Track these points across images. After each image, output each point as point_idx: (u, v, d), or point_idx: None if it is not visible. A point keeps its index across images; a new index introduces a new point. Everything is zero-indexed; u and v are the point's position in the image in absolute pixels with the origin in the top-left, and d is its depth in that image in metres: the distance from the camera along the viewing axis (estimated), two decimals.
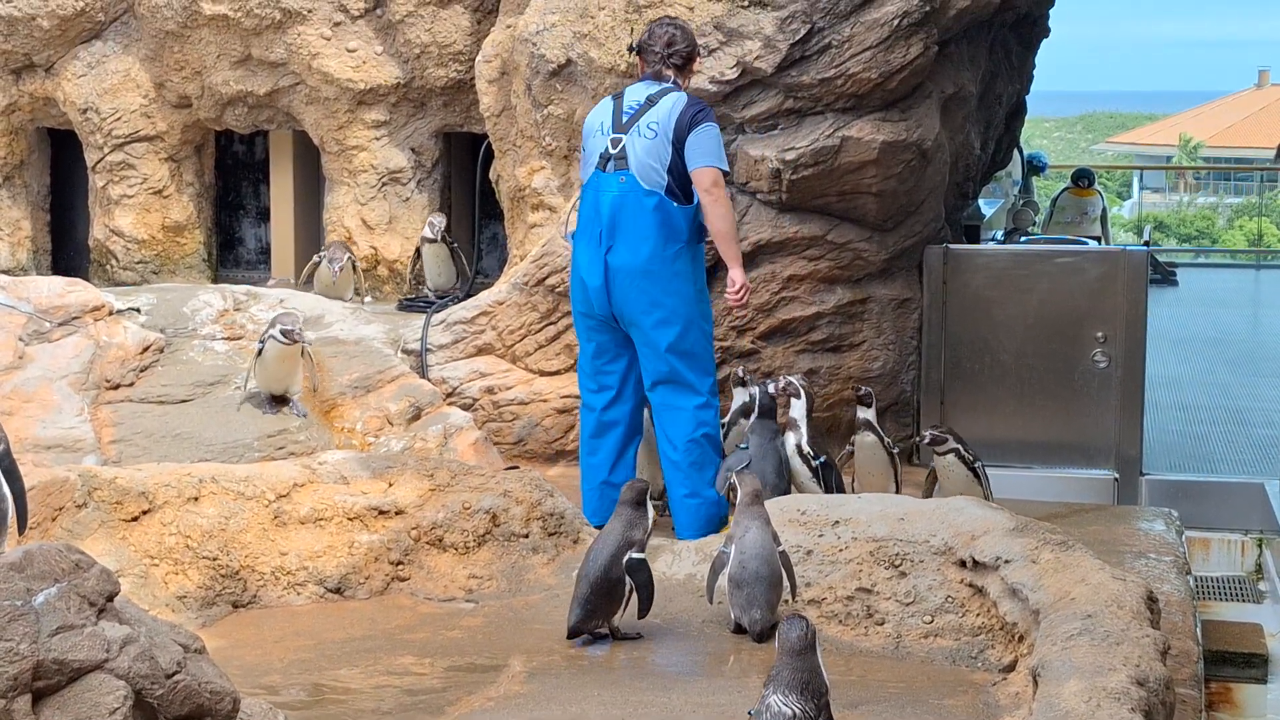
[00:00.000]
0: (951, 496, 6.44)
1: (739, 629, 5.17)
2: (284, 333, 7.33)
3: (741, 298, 6.56)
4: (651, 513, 5.19)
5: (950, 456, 6.62)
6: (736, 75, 7.49)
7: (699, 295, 6.61)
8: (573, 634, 5.22)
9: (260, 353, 7.66)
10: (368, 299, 8.98)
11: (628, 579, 5.09)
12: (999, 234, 12.42)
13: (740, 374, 7.31)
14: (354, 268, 9.03)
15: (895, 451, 6.85)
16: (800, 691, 3.59)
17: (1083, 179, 15.46)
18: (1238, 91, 51.44)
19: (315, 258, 9.08)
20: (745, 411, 6.98)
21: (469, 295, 8.45)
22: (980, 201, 11.27)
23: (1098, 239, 13.88)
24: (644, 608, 5.11)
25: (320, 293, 8.52)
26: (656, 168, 6.37)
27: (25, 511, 4.84)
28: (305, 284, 9.15)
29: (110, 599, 3.92)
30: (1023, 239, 12.05)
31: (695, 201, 6.44)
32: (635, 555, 5.04)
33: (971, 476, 6.69)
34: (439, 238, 8.60)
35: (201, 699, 3.94)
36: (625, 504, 5.15)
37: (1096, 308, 7.96)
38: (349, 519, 6.04)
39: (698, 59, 6.76)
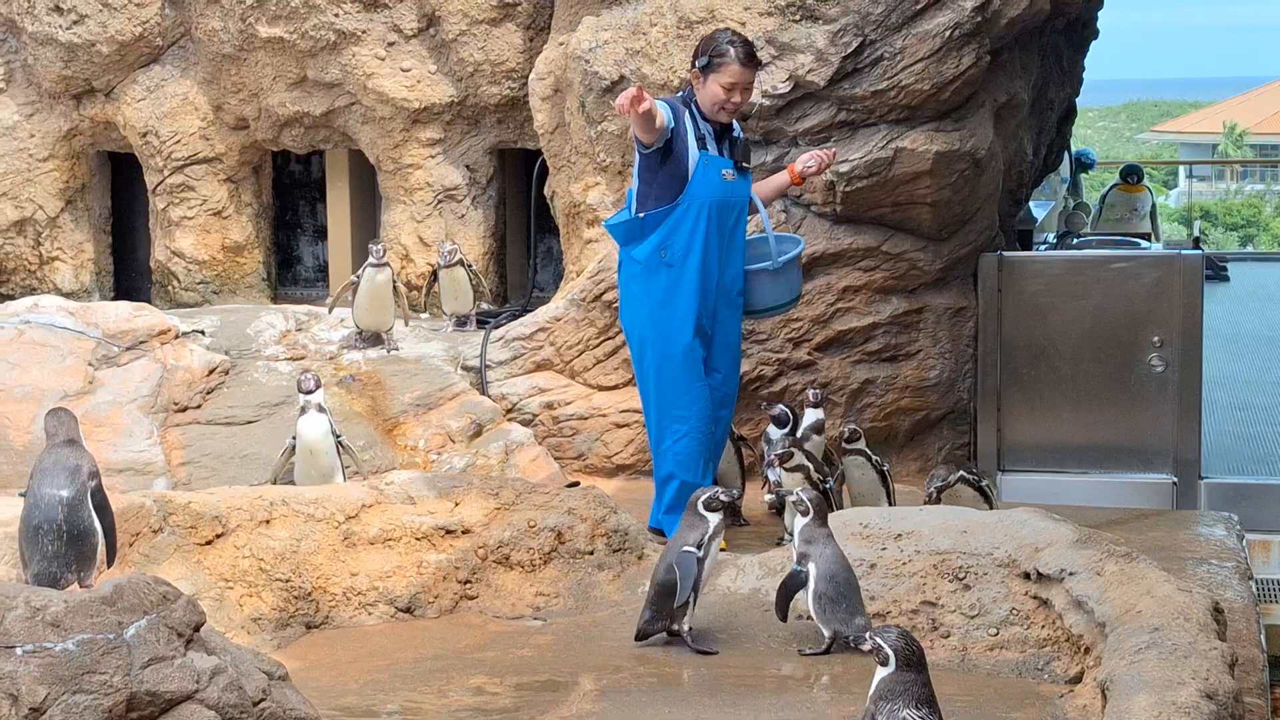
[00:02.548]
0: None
1: (830, 646, 5.23)
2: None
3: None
4: (714, 518, 5.23)
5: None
6: (789, 89, 7.54)
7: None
8: (639, 636, 5.32)
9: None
10: (424, 315, 9.00)
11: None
12: (1051, 237, 12.43)
13: (813, 396, 7.31)
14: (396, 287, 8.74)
15: (886, 470, 6.86)
16: (931, 705, 3.62)
17: (1131, 175, 15.40)
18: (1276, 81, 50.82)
19: (352, 278, 8.89)
20: (816, 429, 7.09)
21: (527, 311, 8.52)
22: (1031, 204, 11.28)
23: (1148, 235, 13.87)
24: (679, 604, 5.22)
25: (365, 306, 8.22)
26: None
27: (115, 546, 4.93)
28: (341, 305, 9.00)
29: (197, 629, 4.00)
30: (1075, 240, 12.03)
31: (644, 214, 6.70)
32: (685, 549, 5.16)
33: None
34: (456, 263, 8.61)
35: None
36: (689, 509, 5.25)
37: (1152, 311, 7.93)
38: (417, 539, 6.11)
39: (695, 66, 6.78)
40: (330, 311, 8.45)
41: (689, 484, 6.58)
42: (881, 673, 3.65)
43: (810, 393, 7.19)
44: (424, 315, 9.01)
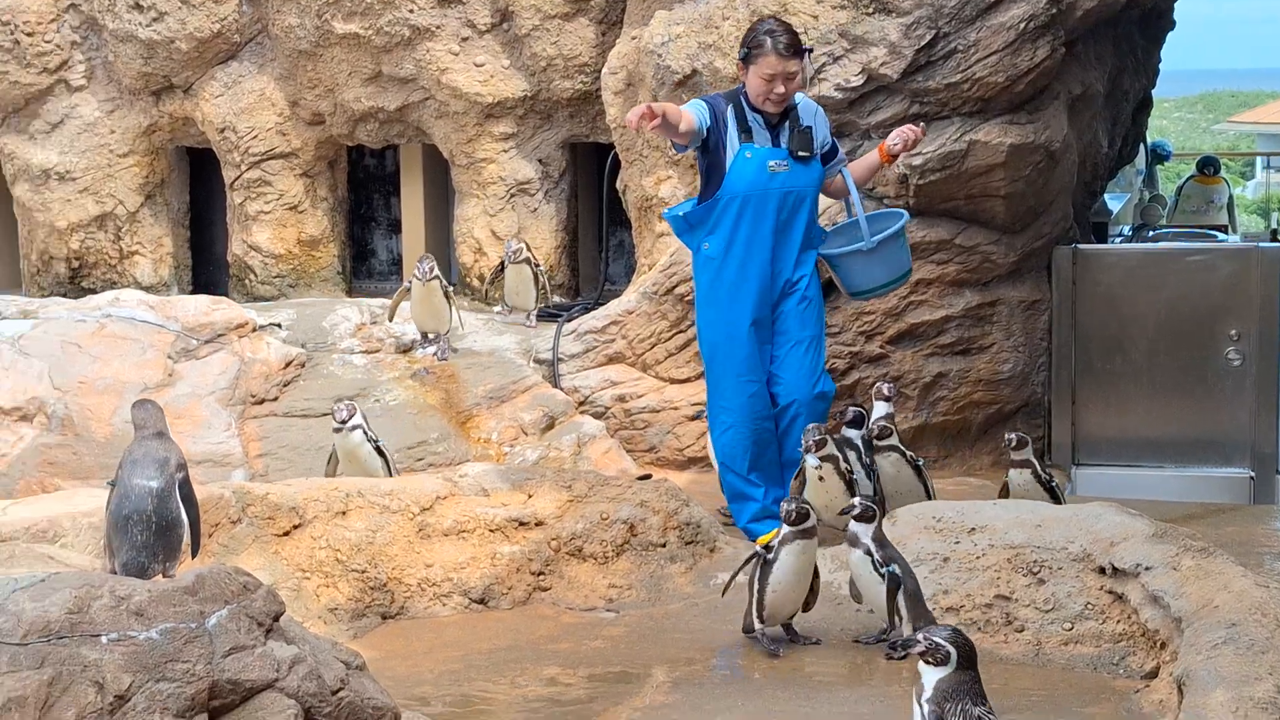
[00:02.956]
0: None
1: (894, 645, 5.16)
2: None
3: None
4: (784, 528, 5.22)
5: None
6: (862, 82, 7.57)
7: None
8: (745, 630, 5.39)
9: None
10: (497, 309, 9.04)
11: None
12: (1127, 229, 12.34)
13: (886, 390, 7.22)
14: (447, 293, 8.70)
15: (920, 464, 6.81)
16: (988, 702, 3.63)
17: (1208, 167, 15.24)
18: None
19: (405, 284, 8.88)
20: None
21: (599, 304, 8.55)
22: (1106, 197, 11.23)
23: (1224, 228, 13.73)
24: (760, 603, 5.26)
25: (418, 313, 8.27)
26: None
27: (199, 537, 4.99)
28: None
29: (276, 619, 4.05)
30: (1150, 233, 11.96)
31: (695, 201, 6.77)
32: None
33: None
34: (523, 260, 8.66)
35: (365, 714, 4.08)
36: None
37: (1229, 305, 7.91)
38: (490, 531, 6.15)
39: (739, 58, 6.80)
40: (390, 320, 8.49)
41: (732, 475, 6.69)
42: (939, 672, 3.64)
43: (883, 386, 7.08)
44: (497, 309, 9.05)
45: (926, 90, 7.54)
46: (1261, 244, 8.98)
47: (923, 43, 7.51)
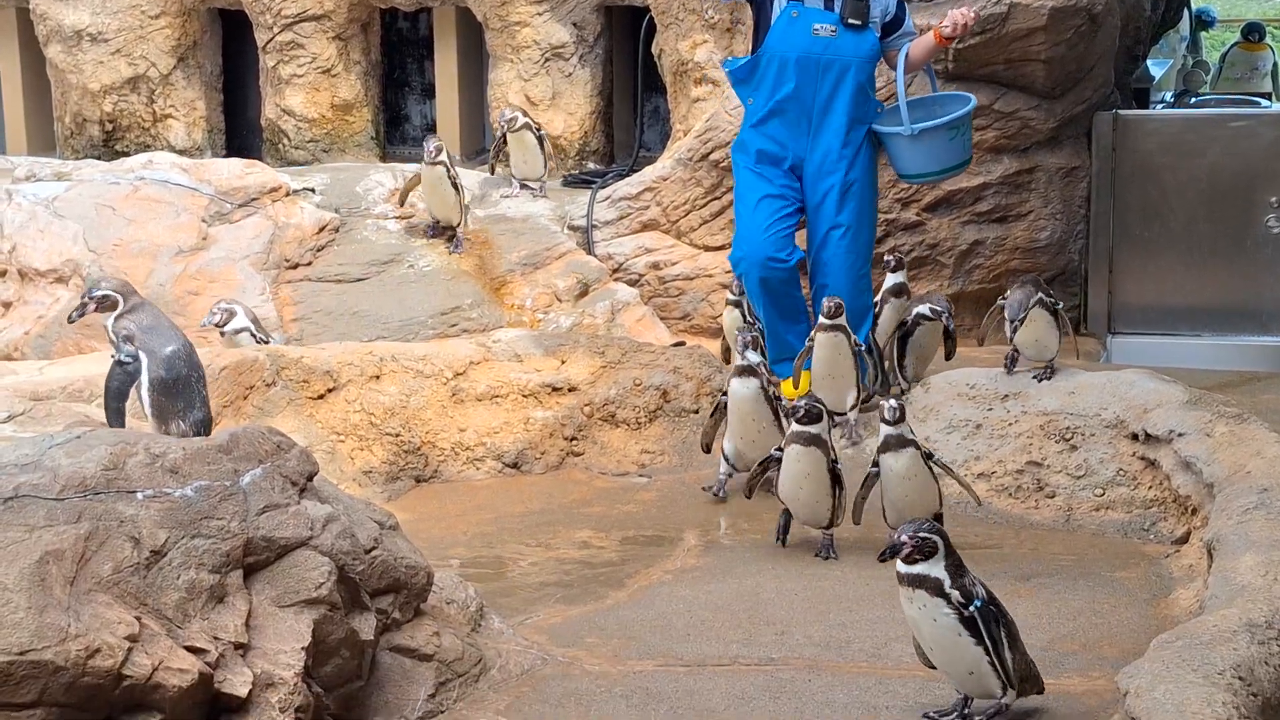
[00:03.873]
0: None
1: None
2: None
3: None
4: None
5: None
6: None
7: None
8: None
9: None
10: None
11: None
12: (1169, 95, 12.23)
13: (892, 261, 7.07)
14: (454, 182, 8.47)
15: (952, 328, 6.54)
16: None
17: (1253, 33, 15.16)
18: None
19: (417, 168, 8.68)
20: (895, 292, 6.85)
21: (633, 171, 8.52)
22: (1149, 62, 11.08)
23: (1269, 95, 13.63)
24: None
25: (427, 201, 8.15)
26: None
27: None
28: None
29: (310, 479, 4.09)
30: (1193, 99, 11.84)
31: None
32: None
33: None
34: (522, 126, 8.53)
35: (398, 573, 4.18)
36: None
37: (1271, 171, 7.81)
38: (524, 396, 6.22)
39: None
40: (402, 205, 8.40)
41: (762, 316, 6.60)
42: (934, 564, 3.69)
43: (888, 258, 6.96)
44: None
45: None
46: None
47: None
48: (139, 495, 3.83)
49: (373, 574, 4.11)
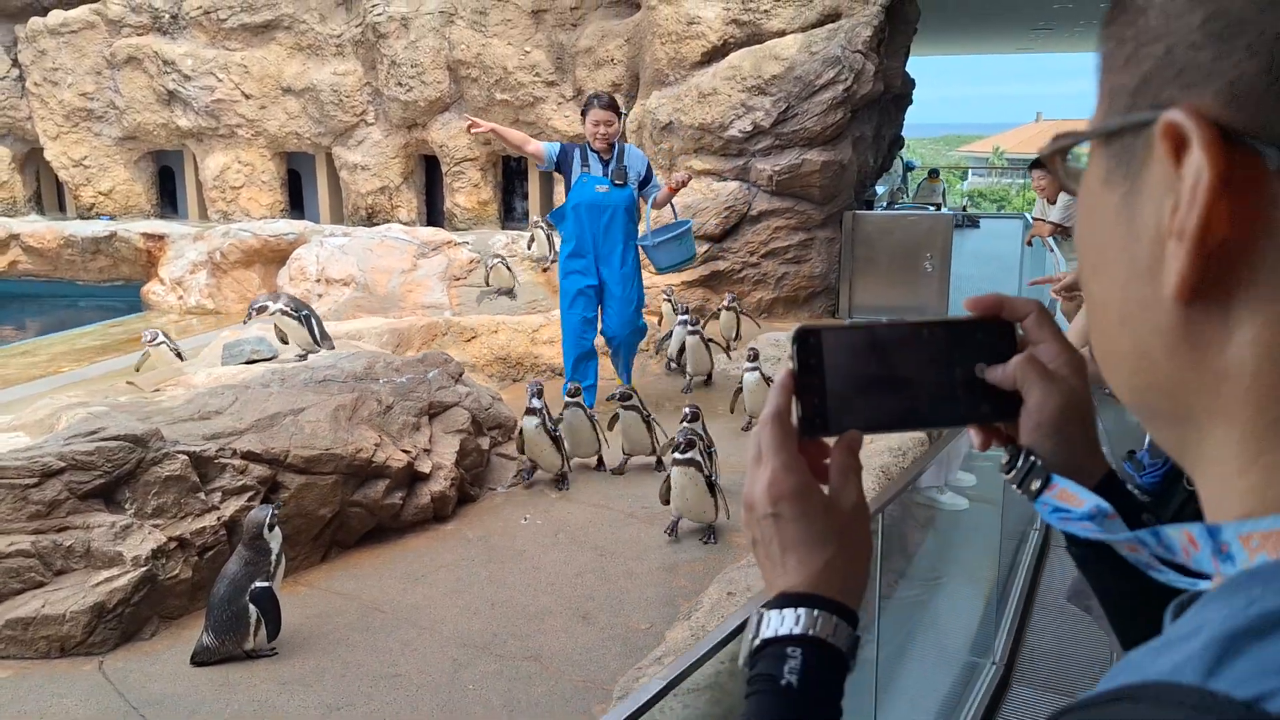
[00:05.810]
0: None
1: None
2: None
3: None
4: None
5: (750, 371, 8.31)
6: (751, 129, 12.67)
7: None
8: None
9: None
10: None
11: None
12: (884, 204, 16.27)
13: (666, 295, 10.43)
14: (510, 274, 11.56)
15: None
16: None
17: (933, 173, 20.51)
18: (1021, 125, 67.46)
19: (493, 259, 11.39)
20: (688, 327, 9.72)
21: None
22: (875, 187, 15.11)
23: (938, 205, 17.99)
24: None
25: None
26: None
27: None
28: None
29: (460, 375, 6.46)
30: (895, 206, 15.82)
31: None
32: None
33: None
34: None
35: (500, 420, 6.55)
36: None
37: (927, 243, 12.50)
38: None
39: (582, 111, 8.15)
40: (487, 284, 11.46)
41: (569, 367, 8.42)
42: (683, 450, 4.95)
43: (677, 316, 9.82)
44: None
45: (783, 133, 12.35)
46: (944, 211, 13.77)
47: (780, 109, 12.33)
48: (380, 381, 5.24)
49: (488, 419, 5.89)
